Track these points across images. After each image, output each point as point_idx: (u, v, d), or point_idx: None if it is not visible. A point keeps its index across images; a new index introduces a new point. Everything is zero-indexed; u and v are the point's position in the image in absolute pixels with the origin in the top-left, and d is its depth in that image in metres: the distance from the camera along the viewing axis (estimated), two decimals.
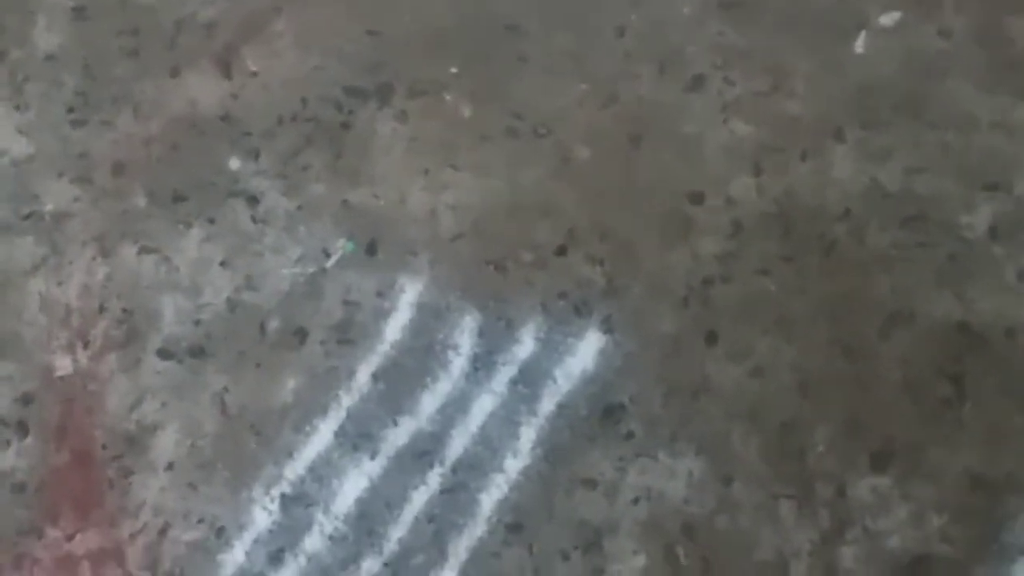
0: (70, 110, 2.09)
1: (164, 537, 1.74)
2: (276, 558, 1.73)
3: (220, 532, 1.74)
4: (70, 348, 1.87)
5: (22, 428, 1.81)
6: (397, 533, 1.75)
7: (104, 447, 1.80)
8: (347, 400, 1.87)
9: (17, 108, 2.09)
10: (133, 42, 2.15)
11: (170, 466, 1.80)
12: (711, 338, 1.92)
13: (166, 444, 1.81)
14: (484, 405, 1.87)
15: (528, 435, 1.84)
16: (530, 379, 1.89)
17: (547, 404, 1.87)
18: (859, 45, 2.22)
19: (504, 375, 1.90)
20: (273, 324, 1.91)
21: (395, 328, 1.93)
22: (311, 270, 1.96)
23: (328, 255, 1.97)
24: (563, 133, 2.11)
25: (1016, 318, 1.90)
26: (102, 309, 1.91)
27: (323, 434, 1.84)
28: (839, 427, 1.82)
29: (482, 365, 1.90)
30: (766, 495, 1.76)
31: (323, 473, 1.81)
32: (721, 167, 2.08)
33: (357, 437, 1.84)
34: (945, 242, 2.01)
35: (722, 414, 1.85)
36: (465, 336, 1.92)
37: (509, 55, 2.18)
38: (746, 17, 2.22)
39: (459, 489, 1.79)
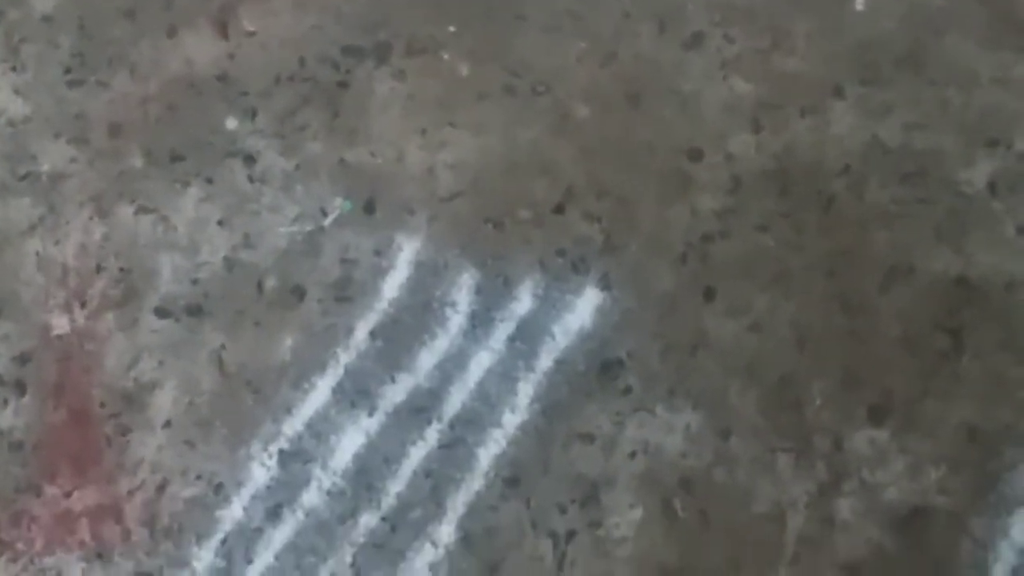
0: (67, 71, 2.08)
1: (162, 494, 1.74)
2: (274, 513, 1.74)
3: (218, 488, 1.75)
4: (67, 307, 1.87)
5: (20, 387, 1.82)
6: (395, 488, 1.76)
7: (102, 405, 1.81)
8: (345, 357, 1.87)
9: (13, 69, 2.09)
10: (130, 2, 2.15)
11: (168, 424, 1.80)
12: (709, 294, 1.91)
13: (164, 402, 1.81)
14: (482, 361, 1.87)
15: (526, 391, 1.84)
16: (528, 336, 1.89)
17: (545, 360, 1.87)
18: (859, 2, 2.20)
19: (502, 332, 1.90)
20: (271, 283, 1.91)
21: (393, 286, 1.93)
22: (308, 229, 1.95)
23: (325, 214, 1.97)
24: (562, 91, 2.10)
25: (1014, 272, 1.89)
26: (99, 268, 1.91)
27: (321, 391, 1.84)
28: (837, 381, 1.82)
29: (480, 322, 1.90)
30: (763, 448, 1.76)
31: (321, 430, 1.81)
32: (720, 124, 2.07)
33: (355, 394, 1.84)
34: (944, 198, 2.00)
35: (720, 369, 1.85)
36: (463, 293, 1.92)
37: (508, 13, 2.17)
38: None
39: (457, 444, 1.80)
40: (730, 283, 1.92)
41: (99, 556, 1.71)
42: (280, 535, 1.73)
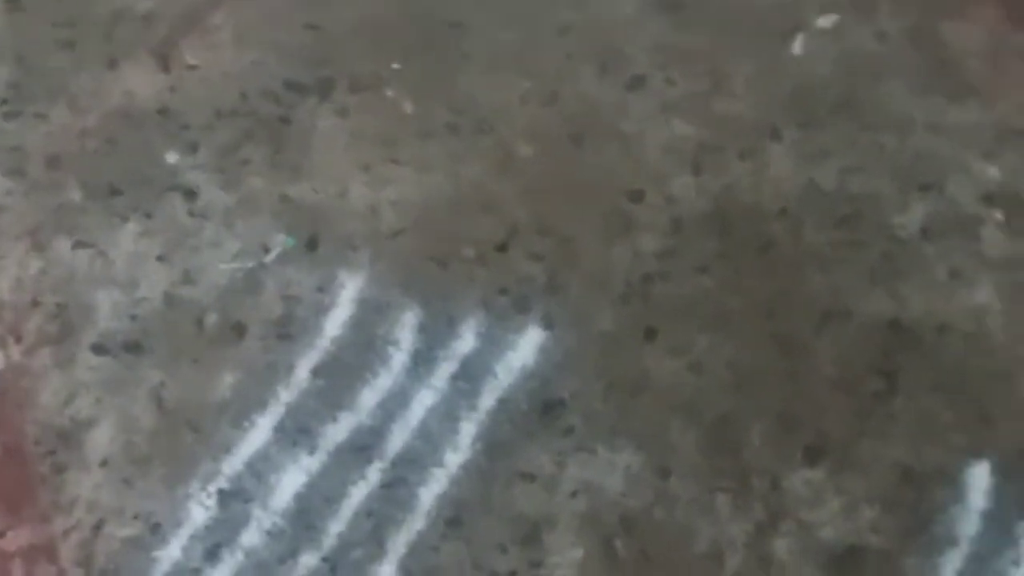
0: (3, 102, 2.06)
1: (98, 533, 1.71)
2: (213, 554, 1.72)
3: (155, 528, 1.72)
4: (2, 343, 1.84)
5: None
6: (336, 528, 1.74)
7: (36, 443, 1.78)
8: (286, 395, 1.86)
9: None
10: (69, 33, 2.13)
11: (104, 462, 1.77)
12: (650, 334, 1.93)
13: (101, 440, 1.79)
14: (424, 400, 1.87)
15: (468, 430, 1.85)
16: (470, 374, 1.89)
17: (487, 399, 1.87)
18: (797, 47, 2.25)
19: (444, 370, 1.90)
20: (211, 319, 1.90)
21: (335, 323, 1.92)
22: (250, 265, 1.94)
23: (267, 250, 1.96)
24: (505, 130, 2.12)
25: (946, 315, 1.94)
26: (35, 303, 1.88)
27: (262, 430, 1.82)
28: (774, 421, 1.84)
29: (422, 360, 1.90)
30: (703, 488, 1.78)
31: (261, 468, 1.79)
32: (661, 166, 2.10)
33: (296, 432, 1.83)
34: (879, 241, 2.05)
35: (661, 409, 1.86)
36: (406, 331, 1.92)
37: (452, 51, 2.19)
38: (686, 19, 2.24)
39: (398, 484, 1.79)
40: (671, 323, 1.94)
41: None
42: None
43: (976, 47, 2.27)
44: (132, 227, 1.96)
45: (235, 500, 1.76)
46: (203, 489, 1.76)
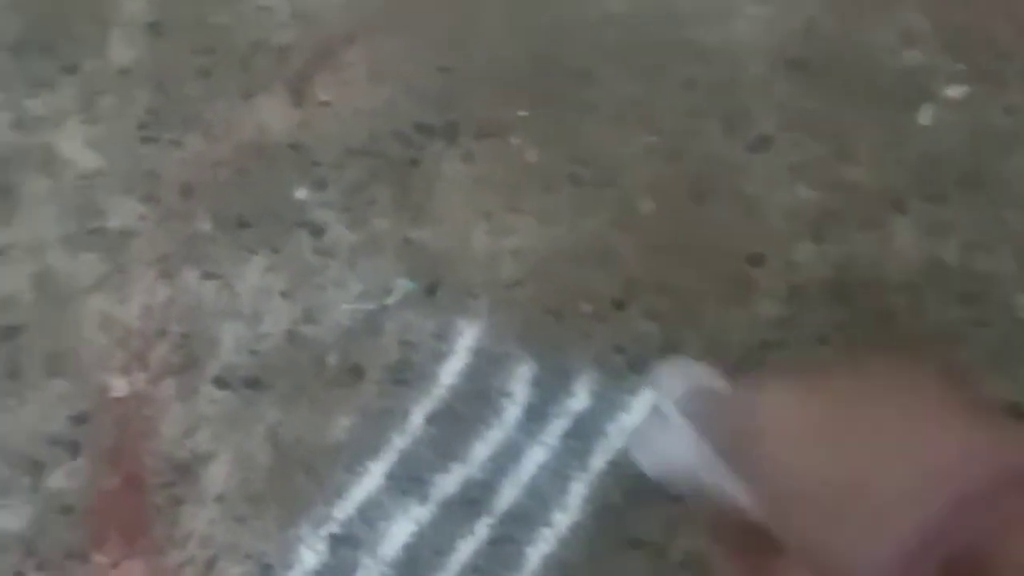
0: (141, 127, 2.10)
1: (211, 570, 1.74)
2: None
3: (267, 569, 1.75)
4: (127, 370, 1.88)
5: (74, 448, 1.82)
6: None
7: (155, 473, 1.81)
8: (399, 442, 1.87)
9: (88, 122, 2.10)
10: (207, 61, 2.16)
11: (220, 498, 1.80)
12: None
13: (217, 475, 1.82)
14: (535, 456, 1.88)
15: (578, 491, 1.85)
16: (582, 433, 1.89)
17: (599, 460, 1.87)
18: (924, 116, 2.22)
19: (557, 427, 1.90)
20: (331, 359, 1.92)
21: (451, 372, 1.93)
22: (371, 307, 1.96)
23: (388, 292, 1.98)
24: (627, 184, 2.11)
25: None
26: (162, 332, 1.91)
27: (374, 475, 1.84)
28: None
29: (535, 415, 1.91)
30: None
31: (372, 515, 1.81)
32: (782, 230, 2.08)
33: (407, 481, 1.84)
34: (1002, 321, 2.01)
35: None
36: (520, 384, 1.93)
37: (577, 102, 2.19)
38: (813, 81, 2.22)
39: (506, 541, 1.80)
40: None
41: None
42: None
43: None
44: (259, 261, 1.98)
45: (345, 546, 1.78)
46: (315, 533, 1.79)
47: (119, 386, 1.86)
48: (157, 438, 1.83)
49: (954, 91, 2.27)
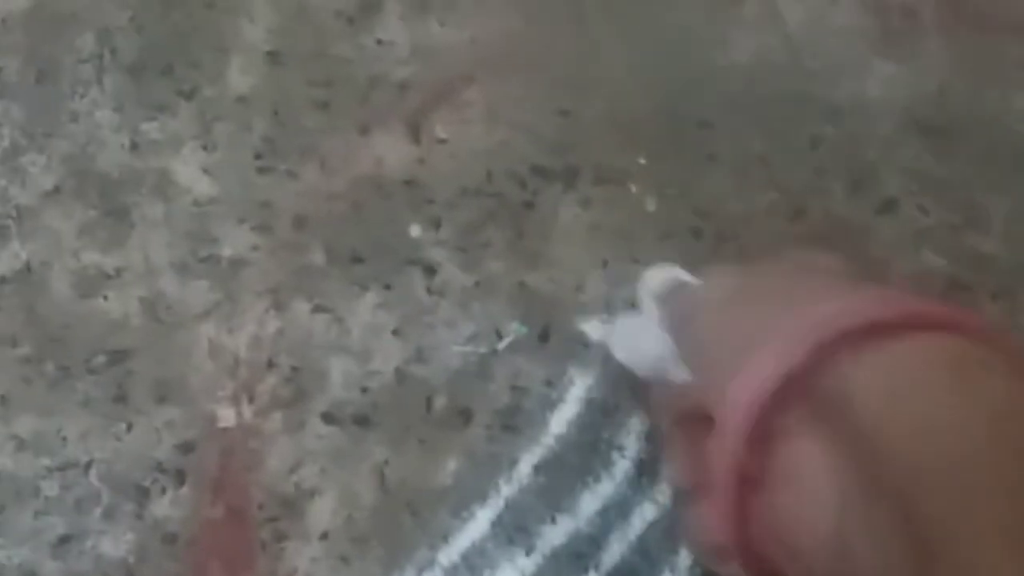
0: (257, 156, 2.08)
1: None
2: None
3: None
4: (235, 400, 1.85)
5: (179, 477, 1.79)
6: None
7: (260, 507, 1.77)
8: (507, 490, 1.82)
9: (204, 148, 2.08)
10: (325, 94, 2.14)
11: (325, 535, 1.76)
12: None
13: (323, 512, 1.77)
14: (645, 513, 1.81)
15: (687, 553, 1.78)
16: None
17: None
18: None
19: (668, 485, 1.84)
20: (440, 401, 1.87)
21: (561, 421, 1.88)
22: (482, 350, 1.92)
23: (500, 336, 1.93)
24: (748, 240, 2.06)
25: None
26: (271, 364, 1.88)
27: (480, 522, 1.79)
28: None
29: (646, 471, 1.84)
30: None
31: (476, 563, 1.76)
32: None
33: (514, 530, 1.79)
34: None
35: None
36: (631, 438, 1.87)
37: (699, 152, 2.14)
38: (945, 145, 2.15)
39: None
40: None
41: None
42: None
43: None
44: (371, 297, 1.95)
45: None
46: None
47: (226, 416, 1.83)
48: (262, 471, 1.79)
49: None
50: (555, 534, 1.79)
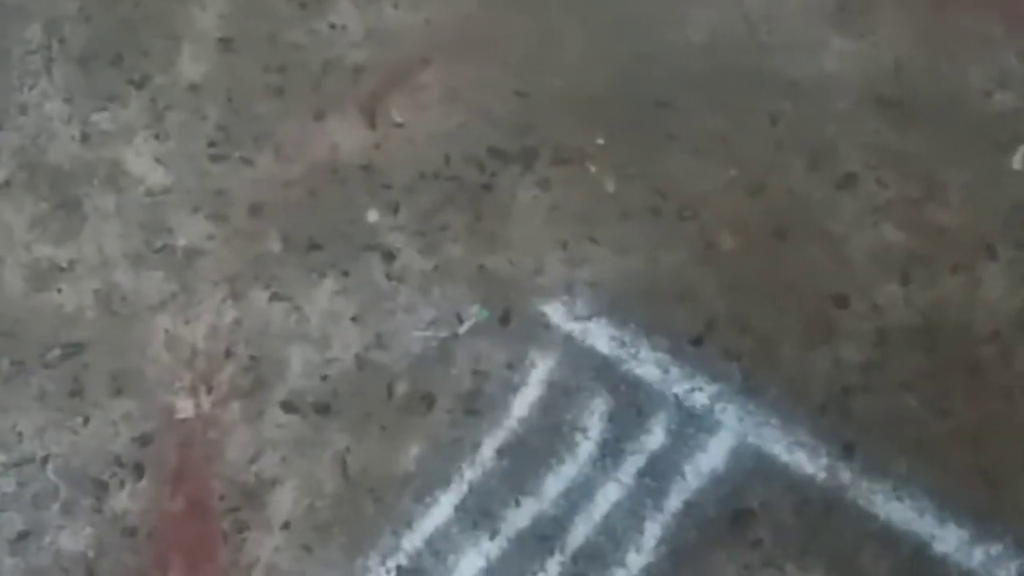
0: (211, 144, 2.05)
1: None
2: None
3: None
4: (193, 391, 1.83)
5: (138, 470, 1.77)
6: None
7: (221, 498, 1.75)
8: (470, 474, 1.81)
9: (157, 137, 2.06)
10: (279, 79, 2.12)
11: (286, 525, 1.74)
12: (848, 449, 1.85)
13: (284, 501, 1.76)
14: (609, 494, 1.81)
15: (652, 531, 1.78)
16: (658, 472, 1.82)
17: (674, 501, 1.80)
18: (1017, 161, 2.15)
19: (632, 465, 1.83)
20: (401, 387, 1.86)
21: (523, 404, 1.87)
22: (443, 334, 1.90)
23: (461, 320, 1.92)
24: (708, 218, 2.05)
25: None
26: (228, 354, 1.86)
27: (443, 507, 1.78)
28: None
29: (610, 452, 1.84)
30: None
31: (441, 548, 1.75)
32: (868, 272, 2.01)
33: (478, 514, 1.78)
34: None
35: (855, 531, 1.78)
36: (595, 419, 1.86)
37: (658, 131, 2.13)
38: (903, 119, 2.15)
39: None
40: (870, 440, 1.85)
41: None
42: None
43: None
44: (329, 284, 1.93)
45: None
46: (382, 564, 1.72)
47: (184, 407, 1.81)
48: (222, 462, 1.77)
49: None
50: (519, 517, 1.79)
